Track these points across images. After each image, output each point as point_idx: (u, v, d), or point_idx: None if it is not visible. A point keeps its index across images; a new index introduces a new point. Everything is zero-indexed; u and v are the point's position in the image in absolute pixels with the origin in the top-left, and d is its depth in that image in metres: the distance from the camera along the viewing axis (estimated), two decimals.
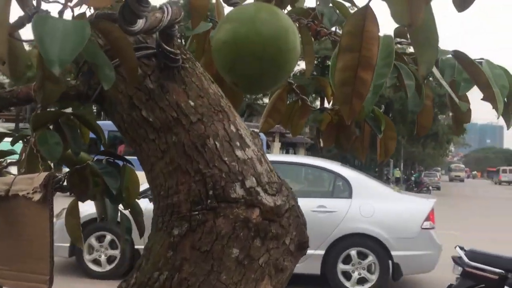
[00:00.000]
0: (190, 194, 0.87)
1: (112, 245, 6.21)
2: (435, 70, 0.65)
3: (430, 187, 30.24)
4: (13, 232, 0.94)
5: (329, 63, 1.42)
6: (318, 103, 26.93)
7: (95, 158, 1.33)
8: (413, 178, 33.30)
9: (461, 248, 4.53)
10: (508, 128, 1.02)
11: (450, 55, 0.77)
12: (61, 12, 0.64)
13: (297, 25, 1.12)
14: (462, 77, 0.91)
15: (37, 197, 0.88)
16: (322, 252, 5.54)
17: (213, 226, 0.85)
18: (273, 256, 0.87)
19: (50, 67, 0.47)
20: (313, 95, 25.57)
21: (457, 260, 4.48)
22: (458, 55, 0.76)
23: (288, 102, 1.44)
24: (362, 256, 5.69)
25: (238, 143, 0.92)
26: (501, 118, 0.95)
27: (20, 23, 0.59)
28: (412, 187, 29.70)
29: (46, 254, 0.90)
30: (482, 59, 1.04)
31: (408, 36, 0.65)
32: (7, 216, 0.95)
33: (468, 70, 0.75)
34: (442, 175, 60.15)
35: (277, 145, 28.73)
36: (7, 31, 0.55)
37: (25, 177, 0.95)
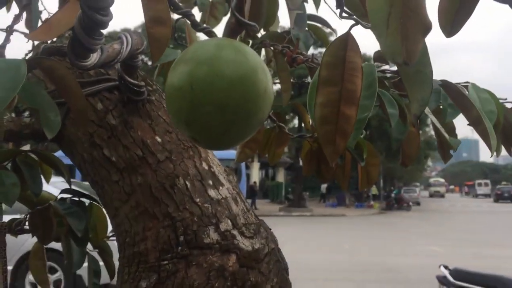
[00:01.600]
0: (158, 241, 0.78)
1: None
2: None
3: (411, 203, 30.42)
4: None
5: (307, 81, 1.36)
6: (296, 121, 27.03)
7: (59, 197, 1.24)
8: (393, 195, 33.48)
9: (446, 267, 4.48)
10: (492, 154, 0.96)
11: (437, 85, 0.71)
12: (2, 47, 0.56)
13: (272, 50, 1.06)
14: (447, 103, 0.85)
15: None
16: (11, 267, 5.56)
17: (184, 277, 0.76)
18: None
19: None
20: (291, 114, 25.62)
21: (442, 280, 4.43)
22: (446, 85, 0.69)
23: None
24: (52, 270, 5.74)
25: (211, 182, 0.84)
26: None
27: None
28: (392, 203, 29.85)
29: None
30: (468, 82, 0.99)
31: (398, 70, 0.59)
32: None
33: (457, 102, 0.69)
34: (421, 191, 60.46)
35: (256, 165, 28.68)
36: None
37: None
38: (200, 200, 0.81)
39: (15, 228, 1.26)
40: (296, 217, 22.92)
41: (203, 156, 0.86)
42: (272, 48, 1.00)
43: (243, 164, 16.91)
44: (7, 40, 0.57)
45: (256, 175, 29.30)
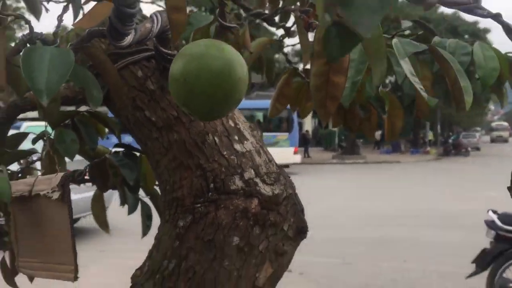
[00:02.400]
0: (192, 188, 0.93)
1: None
2: (407, 65, 0.68)
3: (469, 149, 29.64)
4: (38, 228, 1.03)
5: None
6: None
7: (113, 151, 1.41)
8: (450, 140, 32.64)
9: (494, 212, 4.49)
10: (502, 107, 1.03)
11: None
12: (55, 34, 0.70)
13: (293, 15, 1.15)
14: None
15: (55, 196, 0.96)
16: None
17: (214, 217, 0.91)
18: (272, 242, 0.93)
19: (39, 98, 0.53)
20: None
21: (490, 224, 4.45)
22: (432, 50, 0.78)
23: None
24: None
25: (236, 137, 0.97)
26: None
27: (17, 49, 0.66)
28: (449, 149, 29.19)
29: (69, 247, 0.98)
30: (475, 41, 1.05)
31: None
32: (32, 214, 1.04)
33: (440, 64, 0.77)
34: (482, 136, 58.34)
35: None
36: (5, 64, 0.61)
37: (44, 178, 1.03)
38: (227, 153, 0.95)
39: (77, 178, 1.46)
40: (350, 164, 22.93)
41: (230, 115, 0.99)
42: (292, 13, 1.09)
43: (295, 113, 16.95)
44: (58, 27, 0.70)
45: (309, 123, 29.27)
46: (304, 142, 25.69)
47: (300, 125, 27.10)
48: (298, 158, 18.79)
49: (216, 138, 0.95)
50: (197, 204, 0.93)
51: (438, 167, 21.68)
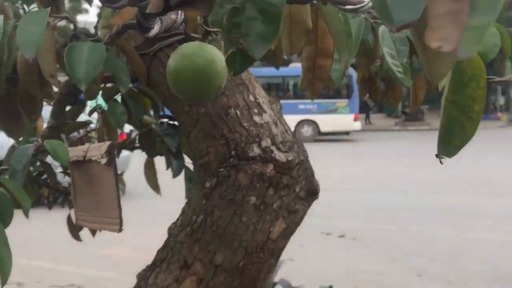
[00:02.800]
0: (217, 155, 1.08)
1: None
2: (389, 50, 0.78)
3: None
4: (91, 188, 1.22)
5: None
6: None
7: (159, 122, 1.58)
8: None
9: None
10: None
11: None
12: (95, 28, 0.85)
13: None
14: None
15: (104, 161, 1.14)
16: None
17: (235, 179, 1.06)
18: (285, 202, 1.07)
19: (78, 85, 0.68)
20: None
21: None
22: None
23: None
24: None
25: (256, 110, 1.11)
26: None
27: (64, 43, 0.82)
28: None
29: (115, 204, 1.17)
30: None
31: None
32: (86, 176, 1.23)
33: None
34: None
35: None
36: (55, 53, 0.77)
37: (96, 145, 1.21)
38: (247, 125, 1.09)
39: (129, 145, 1.65)
40: (413, 131, 22.39)
41: (251, 91, 1.12)
42: None
43: (354, 78, 16.73)
44: (98, 21, 0.86)
45: None
46: (366, 109, 25.29)
47: None
48: (358, 125, 18.59)
49: (237, 111, 1.09)
50: (220, 168, 1.08)
51: (509, 133, 20.76)
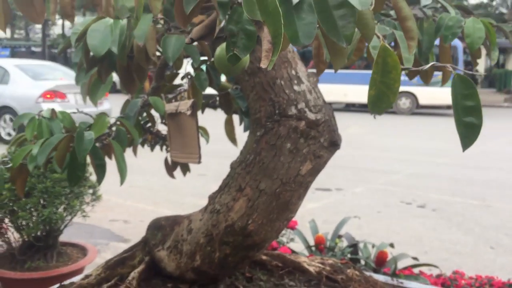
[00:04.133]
0: (265, 112, 1.51)
1: None
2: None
3: None
4: (180, 133, 1.71)
5: None
6: None
7: (234, 87, 2.03)
8: None
9: None
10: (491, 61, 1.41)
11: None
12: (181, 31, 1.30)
13: None
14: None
15: (189, 113, 1.61)
16: None
17: (277, 131, 1.48)
18: (312, 149, 1.48)
19: (168, 61, 1.13)
20: None
21: None
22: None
23: None
24: None
25: (296, 81, 1.51)
26: None
27: (161, 35, 1.26)
28: None
29: (196, 144, 1.64)
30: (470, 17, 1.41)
31: None
32: (177, 124, 1.71)
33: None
34: None
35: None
36: (155, 41, 1.22)
37: (184, 102, 1.68)
38: (288, 91, 1.49)
39: (212, 104, 2.12)
40: None
41: (293, 66, 1.52)
42: None
43: (460, 50, 16.10)
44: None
45: (481, 62, 27.02)
46: None
47: (470, 64, 25.24)
48: None
49: (282, 82, 1.50)
50: (267, 122, 1.50)
51: None
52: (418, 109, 18.35)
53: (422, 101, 17.87)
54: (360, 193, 7.06)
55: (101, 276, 1.76)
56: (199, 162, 1.66)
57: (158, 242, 1.75)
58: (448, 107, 18.66)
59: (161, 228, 1.79)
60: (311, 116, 1.48)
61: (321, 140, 1.49)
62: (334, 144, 1.51)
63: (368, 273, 2.20)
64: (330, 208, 6.07)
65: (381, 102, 0.95)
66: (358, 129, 13.81)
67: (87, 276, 1.84)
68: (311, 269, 1.93)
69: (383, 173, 8.34)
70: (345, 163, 9.25)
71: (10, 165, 1.55)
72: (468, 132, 0.92)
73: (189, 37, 1.01)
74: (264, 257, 1.94)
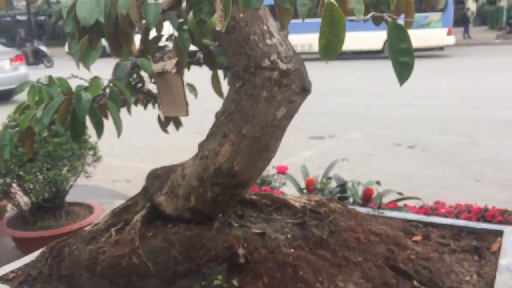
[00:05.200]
0: (242, 66, 1.68)
1: None
2: None
3: None
4: (168, 90, 1.88)
5: None
6: None
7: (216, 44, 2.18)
8: None
9: None
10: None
11: None
12: None
13: None
14: None
15: (174, 71, 1.78)
16: None
17: (253, 81, 1.66)
18: (285, 95, 1.65)
19: (149, 26, 1.29)
20: None
21: None
22: None
23: None
24: None
25: (268, 36, 1.67)
26: None
27: (141, 2, 1.43)
28: None
29: (183, 98, 1.82)
30: None
31: None
32: (164, 82, 1.89)
33: None
34: None
35: None
36: (137, 9, 1.39)
37: (170, 61, 1.85)
38: (261, 45, 1.66)
39: (196, 61, 2.28)
40: None
41: (265, 22, 1.68)
42: None
43: None
44: None
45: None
46: (464, 22, 23.98)
47: (461, 2, 25.06)
48: (451, 39, 17.91)
49: (255, 37, 1.66)
50: (244, 74, 1.67)
51: None
52: None
53: (413, 44, 17.86)
54: (353, 139, 7.28)
55: (108, 223, 1.98)
56: (187, 114, 1.84)
57: (156, 189, 1.96)
58: (440, 48, 18.70)
59: (158, 177, 1.99)
60: (283, 66, 1.65)
61: (293, 87, 1.66)
62: (305, 89, 1.69)
63: (352, 207, 2.42)
64: (323, 155, 6.30)
65: (331, 50, 1.13)
66: (350, 76, 13.91)
67: (96, 224, 2.07)
68: (297, 204, 2.15)
69: (375, 118, 8.54)
70: (338, 111, 9.44)
71: (18, 129, 1.74)
72: (403, 70, 1.10)
73: (161, 8, 1.17)
74: (254, 197, 2.16)
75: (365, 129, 7.79)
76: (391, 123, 8.20)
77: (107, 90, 1.79)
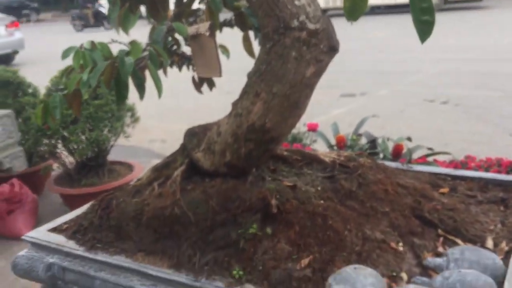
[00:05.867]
0: (272, 27, 1.75)
1: None
2: None
3: None
4: (202, 52, 1.98)
5: None
6: None
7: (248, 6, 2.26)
8: None
9: None
10: None
11: None
12: None
13: None
14: None
15: (207, 33, 1.88)
16: None
17: (283, 42, 1.74)
18: (314, 54, 1.73)
19: None
20: None
21: None
22: None
23: None
24: None
25: None
26: None
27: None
28: None
29: (216, 60, 1.92)
30: None
31: None
32: (198, 44, 1.98)
33: None
34: None
35: None
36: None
37: (203, 24, 1.94)
38: (290, 6, 1.72)
39: (228, 23, 2.36)
40: None
41: None
42: None
43: None
44: None
45: None
46: None
47: None
48: None
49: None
50: (274, 35, 1.75)
51: None
52: (447, 5, 17.80)
53: None
54: (384, 95, 7.26)
55: (150, 178, 2.14)
56: (220, 75, 1.95)
57: (194, 146, 2.09)
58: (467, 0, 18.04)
59: (195, 135, 2.12)
60: (311, 26, 1.72)
61: (321, 47, 1.74)
62: (333, 49, 1.76)
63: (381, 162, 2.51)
64: (354, 112, 6.34)
65: (355, 11, 1.21)
66: (382, 32, 13.64)
67: (139, 179, 2.23)
68: (327, 159, 2.26)
69: (408, 74, 8.45)
70: (370, 68, 9.36)
71: (65, 91, 1.88)
72: (424, 28, 1.17)
73: None
74: (285, 153, 2.27)
75: (397, 86, 7.74)
76: (424, 78, 8.11)
77: (146, 53, 1.90)
